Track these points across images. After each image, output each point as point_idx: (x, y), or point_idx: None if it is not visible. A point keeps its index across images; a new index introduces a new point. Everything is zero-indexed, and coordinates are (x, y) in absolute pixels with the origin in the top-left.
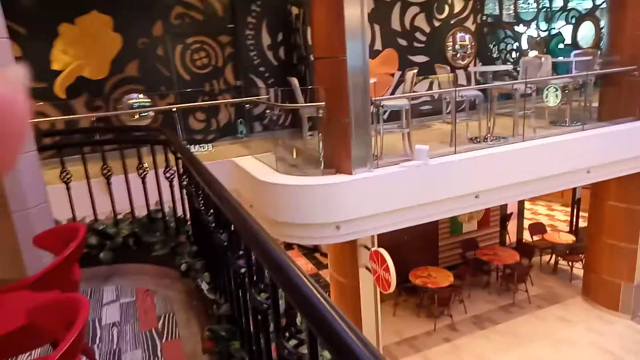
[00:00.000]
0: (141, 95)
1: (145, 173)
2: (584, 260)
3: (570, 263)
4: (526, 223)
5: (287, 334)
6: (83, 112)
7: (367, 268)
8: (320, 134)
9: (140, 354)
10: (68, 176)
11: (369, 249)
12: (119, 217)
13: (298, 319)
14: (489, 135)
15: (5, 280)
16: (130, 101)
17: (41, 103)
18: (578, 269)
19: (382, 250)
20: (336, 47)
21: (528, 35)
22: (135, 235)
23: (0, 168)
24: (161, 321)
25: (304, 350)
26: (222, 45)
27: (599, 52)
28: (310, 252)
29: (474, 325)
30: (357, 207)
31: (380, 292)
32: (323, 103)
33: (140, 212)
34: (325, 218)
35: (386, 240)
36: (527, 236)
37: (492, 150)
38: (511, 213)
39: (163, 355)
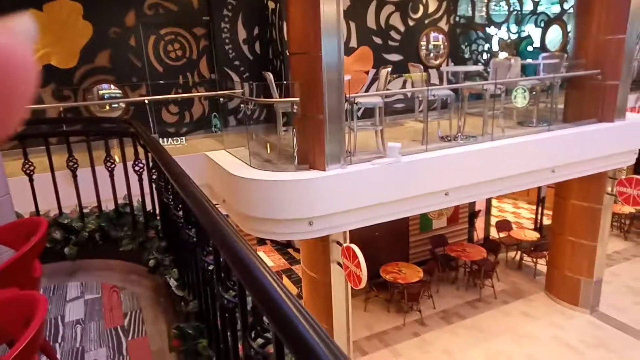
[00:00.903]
0: (112, 86)
1: (113, 166)
2: (547, 256)
3: (534, 259)
4: (493, 220)
5: (253, 333)
6: (50, 102)
7: (338, 264)
8: (294, 130)
9: (104, 352)
10: (31, 168)
11: (340, 245)
12: (85, 211)
13: (265, 318)
14: (459, 134)
15: None
16: (101, 92)
17: None
18: (542, 265)
19: (354, 246)
20: (311, 43)
21: (499, 37)
22: (101, 230)
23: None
24: (127, 318)
25: (271, 349)
26: (197, 38)
27: (566, 55)
28: (283, 247)
29: (441, 320)
30: (330, 203)
31: (352, 288)
32: (298, 99)
33: (108, 206)
34: (298, 213)
35: (358, 236)
36: (494, 233)
37: (462, 149)
38: (479, 210)
39: (128, 354)
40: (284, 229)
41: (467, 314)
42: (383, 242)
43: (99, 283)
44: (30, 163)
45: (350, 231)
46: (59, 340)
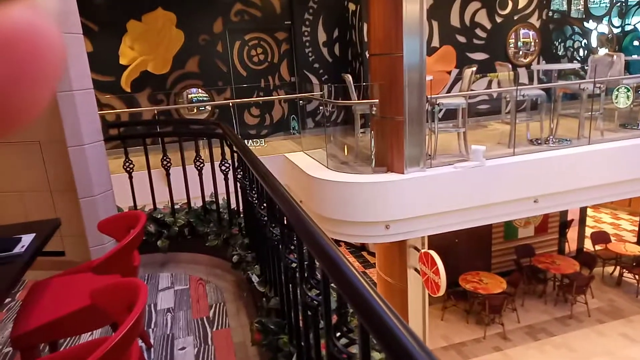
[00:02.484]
0: (200, 90)
1: (202, 165)
2: None
3: (636, 276)
4: (588, 231)
5: (337, 333)
6: (146, 105)
7: (415, 270)
8: (372, 132)
9: (191, 340)
10: (131, 166)
11: (418, 250)
12: (176, 207)
13: (349, 318)
14: (551, 137)
15: (71, 262)
16: (190, 95)
17: (108, 96)
18: None
19: (433, 252)
20: (393, 43)
21: (598, 32)
22: (190, 225)
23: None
24: (212, 310)
25: (354, 350)
26: (279, 42)
27: None
28: (357, 250)
29: (527, 336)
30: (408, 207)
31: (429, 295)
32: (377, 100)
33: (196, 203)
34: (375, 217)
35: (436, 242)
36: (588, 245)
37: (554, 153)
38: (572, 220)
39: (213, 344)
40: (360, 231)
41: (556, 331)
42: (463, 249)
43: (187, 275)
44: (130, 161)
45: (428, 237)
46: (152, 327)
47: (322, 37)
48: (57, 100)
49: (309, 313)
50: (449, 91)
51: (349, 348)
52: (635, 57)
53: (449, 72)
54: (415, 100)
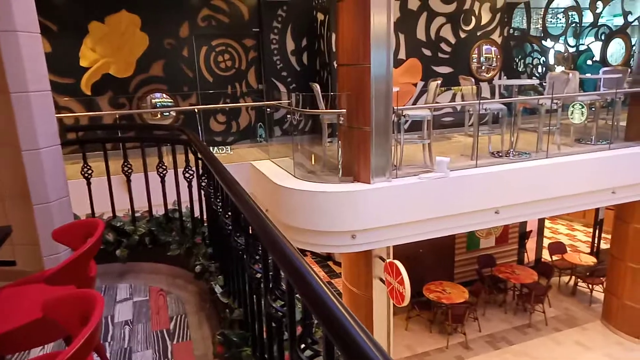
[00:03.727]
0: (164, 95)
1: (165, 172)
2: (604, 283)
3: (590, 286)
4: (546, 242)
5: (302, 344)
6: (107, 109)
7: (380, 279)
8: (339, 141)
9: (150, 354)
10: (89, 171)
11: (383, 260)
12: (137, 215)
13: (314, 329)
14: (511, 150)
15: (23, 272)
16: (154, 100)
17: (67, 98)
18: (598, 292)
19: (398, 262)
20: (360, 54)
21: (555, 50)
22: (151, 234)
23: None
24: (173, 322)
25: None
26: (246, 49)
27: (629, 70)
28: (323, 259)
29: (487, 345)
30: (374, 216)
31: (393, 305)
32: (344, 110)
33: (158, 210)
34: (341, 226)
35: (401, 252)
36: (546, 255)
37: (514, 166)
38: (530, 231)
39: (173, 357)
40: (326, 241)
41: (515, 340)
42: (427, 259)
43: (147, 286)
44: (88, 167)
45: (393, 247)
46: (109, 340)
47: (290, 45)
48: (12, 102)
49: (274, 324)
50: (414, 103)
51: None
52: (588, 75)
53: (415, 85)
54: (382, 111)
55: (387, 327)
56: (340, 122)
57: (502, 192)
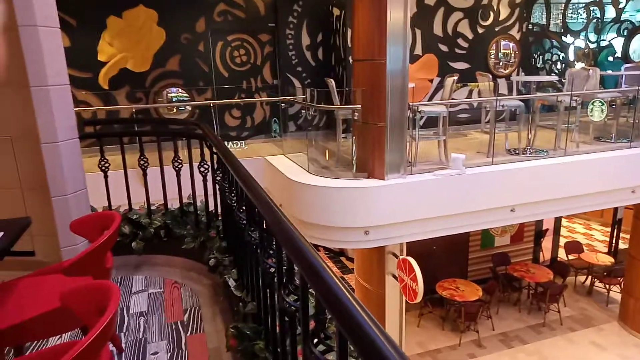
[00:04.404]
0: (180, 90)
1: (180, 166)
2: (622, 283)
3: (607, 286)
4: (562, 241)
5: (315, 339)
6: (124, 104)
7: (393, 276)
8: (354, 137)
9: (164, 345)
10: (106, 165)
11: (397, 257)
12: (152, 208)
13: (327, 324)
14: (528, 147)
15: (41, 262)
16: (170, 95)
17: (85, 92)
18: (615, 293)
19: (411, 259)
20: (376, 49)
21: (575, 46)
22: (166, 227)
23: None
24: (187, 314)
25: (331, 357)
26: (262, 44)
27: None
28: (336, 255)
29: (500, 343)
30: (388, 213)
31: (406, 302)
32: (359, 105)
33: (173, 204)
34: (355, 222)
35: (414, 248)
36: (562, 254)
37: (531, 164)
38: (547, 229)
39: (187, 349)
40: (339, 236)
41: (529, 339)
42: (440, 256)
43: (162, 278)
44: (105, 160)
45: (407, 243)
46: (124, 330)
47: (305, 40)
48: (31, 95)
49: (286, 319)
50: (430, 99)
51: (327, 355)
52: (609, 72)
53: (431, 80)
54: (397, 107)
55: (400, 323)
56: (355, 117)
57: (518, 190)
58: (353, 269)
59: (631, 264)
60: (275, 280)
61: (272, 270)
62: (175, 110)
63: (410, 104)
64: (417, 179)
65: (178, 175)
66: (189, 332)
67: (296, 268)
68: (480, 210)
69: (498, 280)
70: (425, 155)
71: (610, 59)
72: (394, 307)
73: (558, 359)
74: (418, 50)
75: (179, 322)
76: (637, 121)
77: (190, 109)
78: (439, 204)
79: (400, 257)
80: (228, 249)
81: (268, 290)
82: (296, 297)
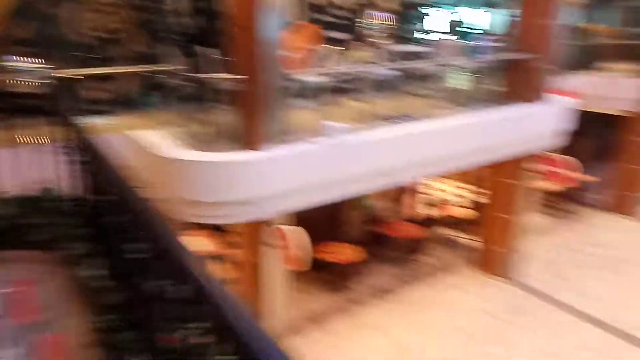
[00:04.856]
0: (31, 59)
1: (32, 147)
2: (479, 233)
3: (467, 236)
4: (428, 198)
5: (180, 326)
6: None
7: (274, 246)
8: (230, 108)
9: (15, 350)
10: None
11: (276, 227)
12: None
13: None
14: (400, 114)
15: None
16: (17, 64)
17: None
18: (473, 242)
19: (292, 227)
20: (250, 16)
21: (444, 18)
22: (16, 217)
23: None
24: (42, 313)
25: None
26: (132, 9)
27: (506, 38)
28: (217, 230)
29: (375, 297)
30: (268, 184)
31: (289, 269)
32: (235, 75)
33: (24, 190)
34: (234, 196)
35: (294, 216)
36: (428, 210)
37: (403, 130)
38: (414, 188)
39: (42, 350)
40: (218, 212)
41: (400, 290)
42: (319, 221)
43: (12, 275)
44: None
45: (289, 213)
46: None
47: (181, 5)
48: None
49: (152, 308)
50: (309, 69)
51: (193, 341)
52: (472, 42)
53: (310, 50)
54: (273, 76)
55: (282, 291)
56: (232, 87)
57: (392, 154)
58: (235, 243)
59: (487, 215)
60: (140, 269)
61: (136, 258)
62: (25, 82)
63: (288, 73)
64: (295, 148)
65: (30, 157)
66: (43, 333)
67: (160, 255)
68: (357, 176)
69: (373, 239)
70: (304, 125)
71: (472, 30)
72: (275, 275)
73: (426, 304)
74: (296, 19)
75: (33, 322)
76: (493, 88)
77: (45, 80)
78: (318, 172)
79: (280, 226)
80: (91, 237)
81: (133, 280)
82: (161, 285)
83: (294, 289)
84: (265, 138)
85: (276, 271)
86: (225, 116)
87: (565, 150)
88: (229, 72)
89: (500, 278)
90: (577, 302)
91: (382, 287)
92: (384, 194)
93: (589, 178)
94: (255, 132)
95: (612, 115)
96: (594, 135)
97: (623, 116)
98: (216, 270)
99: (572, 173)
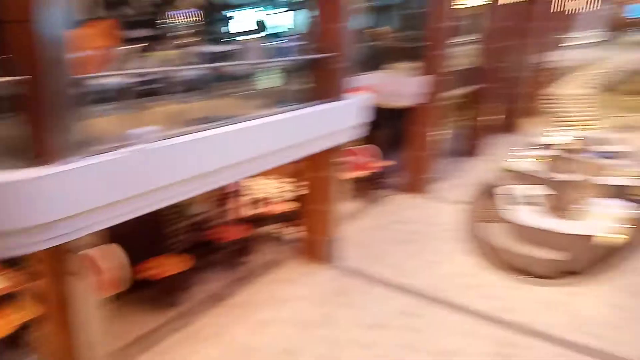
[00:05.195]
0: None
1: None
2: (300, 225)
3: (289, 228)
4: (250, 197)
5: None
6: None
7: (82, 275)
8: (13, 117)
9: None
10: None
11: (83, 252)
12: None
13: None
14: (211, 115)
15: None
16: None
17: None
18: (297, 234)
19: (103, 246)
20: (30, 9)
21: (249, 19)
22: None
23: None
24: None
25: None
26: None
27: (306, 39)
28: (10, 264)
29: (208, 304)
30: (66, 203)
31: (103, 295)
32: (17, 77)
33: None
34: (25, 221)
35: (106, 235)
36: (252, 210)
37: (216, 131)
38: (237, 189)
39: None
40: (8, 242)
41: (233, 293)
42: (136, 236)
43: None
44: None
45: (98, 232)
46: None
47: None
48: None
49: None
50: (107, 70)
51: None
52: (275, 43)
53: (107, 50)
54: (61, 78)
55: (96, 320)
56: (17, 92)
57: (206, 157)
58: (32, 275)
59: (305, 207)
60: None
61: None
62: None
63: (82, 75)
64: (97, 159)
65: None
66: None
67: None
68: (172, 183)
69: (200, 246)
70: (106, 133)
71: (277, 31)
72: (87, 304)
73: (258, 301)
74: (91, 15)
75: None
76: (300, 87)
77: None
78: (127, 183)
79: (88, 251)
80: None
81: None
82: None
83: (117, 315)
84: (60, 150)
85: (88, 301)
86: (7, 127)
87: (366, 141)
88: (8, 74)
89: (323, 265)
90: (386, 274)
91: (214, 294)
92: (206, 198)
93: (388, 164)
94: (46, 144)
95: (402, 108)
96: (388, 126)
97: (409, 109)
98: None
99: (374, 161)
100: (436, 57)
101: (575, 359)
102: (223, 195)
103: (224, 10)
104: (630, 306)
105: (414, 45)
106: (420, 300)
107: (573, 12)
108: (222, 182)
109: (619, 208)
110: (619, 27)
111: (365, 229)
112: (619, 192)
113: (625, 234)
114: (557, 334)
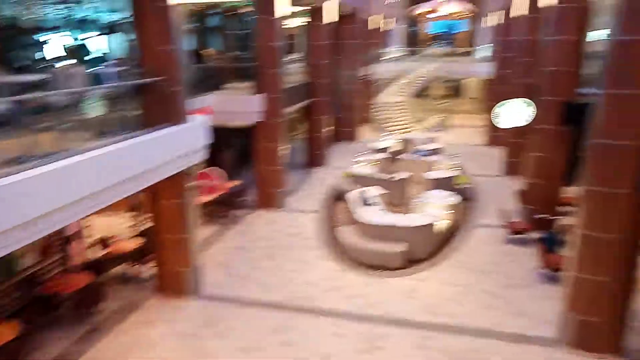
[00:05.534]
0: None
1: None
2: (153, 259)
3: (142, 266)
4: (92, 239)
5: None
6: None
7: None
8: None
9: None
10: None
11: None
12: None
13: None
14: (30, 154)
15: None
16: None
17: None
18: (150, 270)
19: None
20: None
21: (57, 43)
22: None
23: None
24: None
25: None
26: None
27: (130, 63)
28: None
29: None
30: None
31: None
32: None
33: None
34: None
35: None
36: (95, 253)
37: (38, 170)
38: (75, 232)
39: None
40: None
41: (83, 351)
42: None
43: None
44: None
45: None
46: None
47: None
48: None
49: None
50: None
51: None
52: (96, 69)
53: None
54: None
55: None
56: None
57: (30, 202)
58: None
59: (156, 239)
60: None
61: None
62: None
63: None
64: None
65: None
66: None
67: None
68: None
69: (34, 306)
70: None
71: (93, 56)
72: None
73: (121, 350)
74: None
75: None
76: (132, 114)
77: None
78: None
79: None
80: None
81: None
82: None
83: None
84: None
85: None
86: None
87: (211, 163)
88: None
89: (187, 297)
90: (253, 294)
91: (59, 355)
92: (40, 246)
93: (235, 183)
94: None
95: (244, 127)
96: (232, 146)
97: (251, 127)
98: None
99: (221, 182)
100: (271, 75)
101: (438, 338)
102: (60, 240)
103: (33, 34)
104: (467, 281)
105: (245, 65)
106: (290, 313)
107: (385, 29)
108: (55, 227)
109: (445, 197)
110: (422, 41)
111: (225, 252)
112: (444, 184)
113: (454, 219)
114: (415, 319)
